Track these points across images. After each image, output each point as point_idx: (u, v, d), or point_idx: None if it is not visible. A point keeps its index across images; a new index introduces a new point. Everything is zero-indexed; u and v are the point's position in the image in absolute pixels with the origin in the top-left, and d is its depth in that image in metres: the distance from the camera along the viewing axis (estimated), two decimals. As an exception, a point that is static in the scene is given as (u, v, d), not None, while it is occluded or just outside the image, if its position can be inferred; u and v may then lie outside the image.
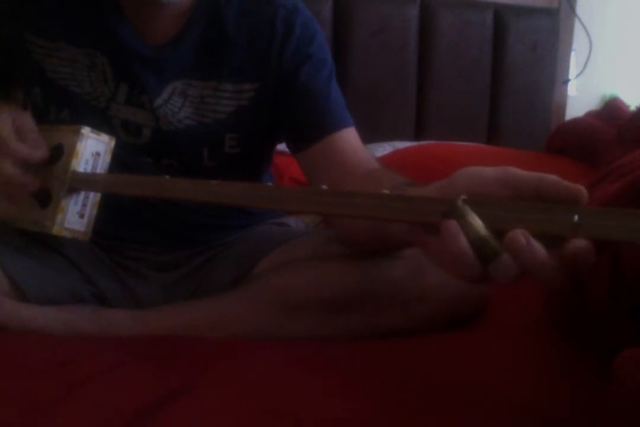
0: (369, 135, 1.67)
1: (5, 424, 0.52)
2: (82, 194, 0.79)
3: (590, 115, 1.69)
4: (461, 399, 0.59)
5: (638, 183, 0.69)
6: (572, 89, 2.07)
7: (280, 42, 0.83)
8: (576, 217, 0.41)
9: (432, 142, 1.69)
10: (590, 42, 1.99)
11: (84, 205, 0.79)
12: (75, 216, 0.79)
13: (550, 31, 1.93)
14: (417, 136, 1.83)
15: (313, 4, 0.90)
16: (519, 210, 0.44)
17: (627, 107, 1.61)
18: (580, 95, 2.07)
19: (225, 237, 0.93)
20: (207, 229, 0.93)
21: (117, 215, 0.86)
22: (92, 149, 0.79)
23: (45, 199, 0.79)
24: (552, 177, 0.44)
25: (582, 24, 1.99)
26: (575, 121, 1.67)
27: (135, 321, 0.78)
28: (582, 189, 0.43)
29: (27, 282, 0.80)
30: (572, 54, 2.03)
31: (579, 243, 0.41)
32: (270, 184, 0.64)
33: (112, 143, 0.81)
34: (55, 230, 0.77)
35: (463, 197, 0.46)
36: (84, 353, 0.69)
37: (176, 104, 0.83)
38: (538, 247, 0.42)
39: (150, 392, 0.57)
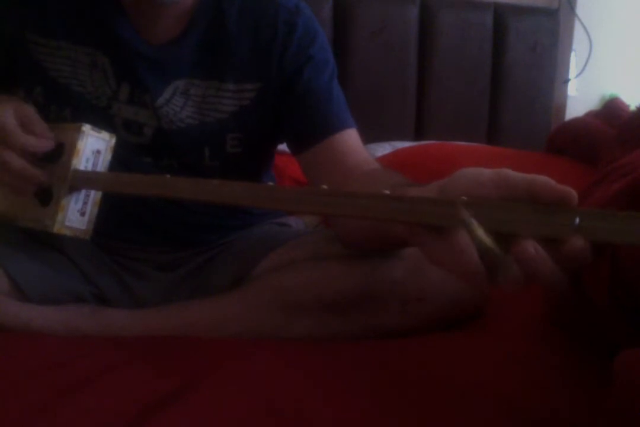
0: (369, 135, 1.67)
1: (5, 424, 0.52)
2: (83, 192, 0.79)
3: (590, 115, 1.69)
4: (461, 399, 0.59)
5: (638, 183, 0.69)
6: (572, 89, 2.07)
7: (282, 42, 0.83)
8: (577, 220, 0.41)
9: (432, 142, 1.69)
10: (590, 42, 1.99)
11: (84, 203, 0.79)
12: (76, 214, 0.79)
13: (550, 31, 1.93)
14: (417, 136, 1.83)
15: (313, 4, 0.89)
16: (519, 213, 0.44)
17: (627, 107, 1.61)
18: (580, 95, 2.07)
19: (225, 237, 0.93)
20: (207, 229, 0.93)
21: (117, 215, 0.86)
22: (92, 146, 0.79)
23: (46, 197, 0.79)
24: (542, 179, 0.44)
25: (582, 24, 1.99)
26: (575, 121, 1.66)
27: (135, 320, 0.78)
28: (571, 191, 0.43)
29: (27, 282, 0.80)
30: (572, 54, 2.03)
31: (577, 242, 0.41)
32: (271, 183, 0.64)
33: (113, 141, 0.81)
34: (56, 228, 0.77)
35: (463, 198, 0.46)
36: (84, 353, 0.69)
37: (178, 103, 0.83)
38: (545, 256, 0.42)
39: (151, 392, 0.57)
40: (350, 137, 0.84)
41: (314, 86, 0.84)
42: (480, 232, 0.44)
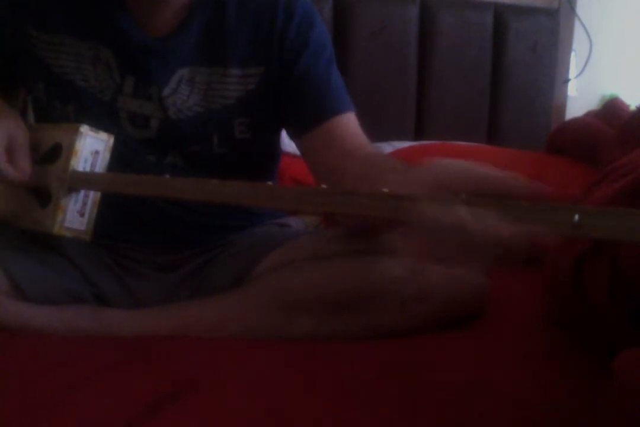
0: (369, 135, 1.66)
1: (5, 424, 0.52)
2: (82, 193, 0.79)
3: (590, 115, 1.69)
4: (461, 398, 0.59)
5: (638, 183, 0.69)
6: (572, 89, 2.07)
7: (281, 28, 0.84)
8: (576, 217, 0.41)
9: (432, 142, 1.69)
10: (590, 42, 1.98)
11: (84, 204, 0.79)
12: (75, 215, 0.79)
13: (550, 31, 1.93)
14: (417, 136, 1.83)
15: (313, 4, 0.91)
16: (519, 211, 0.44)
17: (627, 107, 1.61)
18: (580, 95, 2.07)
19: (226, 238, 0.93)
20: (207, 229, 0.93)
21: (117, 215, 0.86)
22: (91, 147, 0.79)
23: (45, 198, 0.79)
24: (513, 176, 0.47)
25: (582, 24, 1.99)
26: (575, 121, 1.66)
27: (135, 321, 0.78)
28: (542, 188, 0.46)
29: (27, 282, 0.79)
30: (572, 54, 2.03)
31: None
32: (270, 183, 0.64)
33: (111, 141, 0.81)
34: (56, 229, 0.77)
35: (463, 196, 0.46)
36: (84, 353, 0.69)
37: (184, 92, 0.84)
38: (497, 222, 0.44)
39: (150, 392, 0.57)
40: (349, 120, 0.86)
41: (312, 72, 0.85)
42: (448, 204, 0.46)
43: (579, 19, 2.00)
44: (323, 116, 0.84)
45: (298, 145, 0.88)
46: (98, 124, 0.80)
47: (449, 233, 0.45)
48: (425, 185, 0.48)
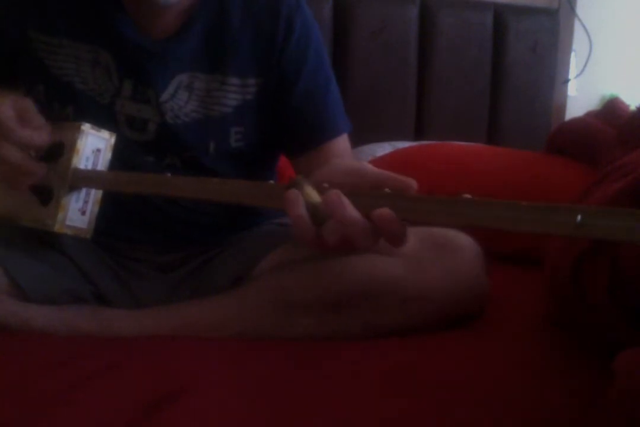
0: (369, 135, 1.68)
1: (6, 424, 0.52)
2: (84, 191, 0.79)
3: (590, 115, 1.68)
4: (460, 399, 0.59)
5: (638, 183, 0.69)
6: (572, 89, 2.07)
7: (281, 42, 0.84)
8: (579, 218, 0.41)
9: (432, 142, 1.69)
10: (590, 42, 1.99)
11: (85, 202, 0.79)
12: (76, 213, 0.79)
13: (550, 31, 1.93)
14: (417, 136, 1.83)
15: (313, 4, 0.90)
16: (520, 211, 0.44)
17: (627, 107, 1.60)
18: (580, 95, 2.07)
19: (226, 238, 0.93)
20: (207, 229, 0.93)
21: (118, 214, 0.86)
22: (92, 145, 0.79)
23: (46, 196, 0.79)
24: (387, 173, 0.58)
25: (582, 24, 1.99)
26: (575, 121, 1.66)
27: (135, 320, 0.78)
28: (409, 181, 0.55)
29: (27, 281, 0.79)
30: (572, 54, 2.03)
31: (383, 211, 0.52)
32: (272, 182, 0.64)
33: (113, 139, 0.81)
34: (57, 228, 0.77)
35: (467, 196, 0.46)
36: (84, 353, 0.69)
37: (182, 97, 0.84)
38: (354, 212, 0.53)
39: (150, 392, 0.57)
40: (340, 143, 0.90)
41: (311, 93, 0.87)
42: (311, 191, 0.56)
43: (579, 19, 2.00)
44: (317, 142, 0.88)
45: (291, 163, 0.93)
46: (97, 126, 0.80)
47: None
48: (323, 179, 0.59)
